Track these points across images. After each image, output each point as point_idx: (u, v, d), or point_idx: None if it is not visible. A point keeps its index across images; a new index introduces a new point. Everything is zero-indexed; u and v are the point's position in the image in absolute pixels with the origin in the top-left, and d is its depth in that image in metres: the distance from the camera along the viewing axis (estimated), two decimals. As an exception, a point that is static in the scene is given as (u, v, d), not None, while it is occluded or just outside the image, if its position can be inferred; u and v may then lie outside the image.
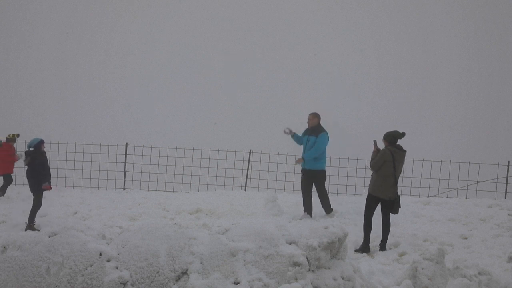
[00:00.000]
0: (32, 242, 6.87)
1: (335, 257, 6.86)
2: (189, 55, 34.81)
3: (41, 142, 13.42)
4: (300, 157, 13.73)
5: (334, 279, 6.50)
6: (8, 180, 17.02)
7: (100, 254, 6.64)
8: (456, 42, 35.04)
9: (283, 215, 13.86)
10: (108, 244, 6.94)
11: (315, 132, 13.47)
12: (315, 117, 13.66)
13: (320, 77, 34.17)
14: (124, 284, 6.35)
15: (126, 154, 19.52)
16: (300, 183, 14.06)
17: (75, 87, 33.78)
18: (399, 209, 11.04)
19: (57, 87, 33.65)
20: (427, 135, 29.58)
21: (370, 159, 11.15)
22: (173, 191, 18.73)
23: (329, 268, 6.66)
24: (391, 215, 11.07)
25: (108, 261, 6.57)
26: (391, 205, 10.78)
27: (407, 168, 17.66)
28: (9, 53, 34.37)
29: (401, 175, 11.41)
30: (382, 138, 11.02)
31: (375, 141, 11.25)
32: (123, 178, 19.49)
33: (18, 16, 35.29)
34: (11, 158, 17.03)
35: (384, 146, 10.94)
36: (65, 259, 6.58)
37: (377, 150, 10.97)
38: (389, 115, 29.32)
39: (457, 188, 18.04)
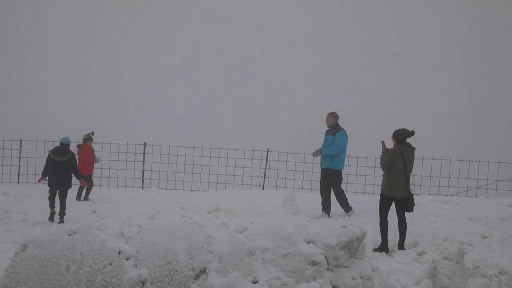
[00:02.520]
0: (52, 240, 6.91)
1: (354, 256, 6.83)
2: (190, 55, 34.85)
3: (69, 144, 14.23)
4: (317, 150, 13.66)
5: (353, 278, 6.47)
6: (90, 182, 16.73)
7: (119, 253, 6.66)
8: (457, 42, 34.92)
9: (301, 214, 13.83)
10: (127, 243, 6.96)
11: (332, 131, 13.45)
12: (330, 116, 13.65)
13: (320, 77, 34.12)
14: (143, 283, 6.36)
15: (144, 153, 19.63)
16: (318, 182, 14.04)
17: (88, 87, 33.93)
18: (414, 207, 10.99)
19: (73, 87, 33.80)
20: (445, 134, 29.43)
21: (380, 160, 11.13)
22: (191, 190, 18.78)
23: (347, 267, 6.64)
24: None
25: (127, 259, 6.60)
26: (405, 203, 10.73)
27: (426, 166, 17.59)
28: (23, 53, 34.59)
29: (414, 173, 11.33)
30: (391, 136, 10.97)
31: (383, 142, 11.22)
32: (141, 177, 19.60)
33: (19, 16, 35.49)
34: (91, 159, 16.85)
35: (392, 144, 10.90)
36: (85, 257, 6.61)
37: (386, 151, 10.94)
38: (389, 115, 29.43)
39: (477, 187, 17.91)
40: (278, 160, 19.22)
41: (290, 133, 19.64)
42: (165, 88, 33.62)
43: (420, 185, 17.86)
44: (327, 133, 13.65)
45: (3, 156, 19.88)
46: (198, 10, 36.22)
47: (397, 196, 10.68)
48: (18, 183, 19.70)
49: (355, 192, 18.11)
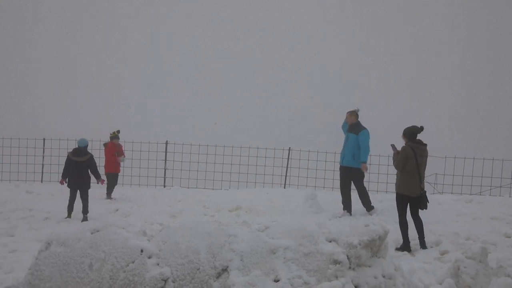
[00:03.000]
0: (75, 238, 6.96)
1: (376, 255, 6.80)
2: (190, 55, 34.81)
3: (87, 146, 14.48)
4: (363, 163, 13.51)
5: (375, 277, 6.44)
6: (113, 180, 16.87)
7: (142, 251, 6.69)
8: (457, 42, 34.75)
9: (323, 212, 13.81)
10: (149, 241, 6.99)
11: (355, 129, 13.39)
12: (352, 115, 13.59)
13: (320, 77, 34.04)
14: (165, 281, 6.39)
15: (166, 152, 19.71)
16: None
17: (88, 87, 33.93)
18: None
19: (73, 88, 33.78)
20: (445, 133, 29.27)
21: (392, 161, 11.14)
22: (212, 189, 18.86)
23: (369, 266, 6.60)
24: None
25: (149, 257, 6.63)
26: (419, 201, 10.70)
27: (449, 165, 17.47)
28: (24, 54, 34.71)
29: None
30: (401, 134, 10.96)
31: (392, 145, 11.26)
32: (163, 176, 19.68)
33: (19, 17, 35.66)
34: (114, 157, 16.97)
35: (404, 143, 10.88)
36: (107, 255, 6.65)
37: (397, 152, 10.92)
38: (389, 115, 29.59)
39: (500, 186, 17.76)
40: (299, 159, 19.23)
41: (290, 133, 19.75)
42: (165, 88, 33.57)
43: (443, 184, 17.75)
44: (348, 131, 13.58)
45: (26, 155, 20.09)
46: (198, 10, 36.17)
47: (411, 194, 10.65)
48: (41, 181, 19.90)
49: (377, 190, 18.06)
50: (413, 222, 10.83)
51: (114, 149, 16.90)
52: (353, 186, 13.66)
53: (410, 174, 10.60)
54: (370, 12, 35.90)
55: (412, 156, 10.55)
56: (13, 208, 14.87)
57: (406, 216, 10.76)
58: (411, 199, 10.74)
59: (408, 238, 10.66)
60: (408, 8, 35.50)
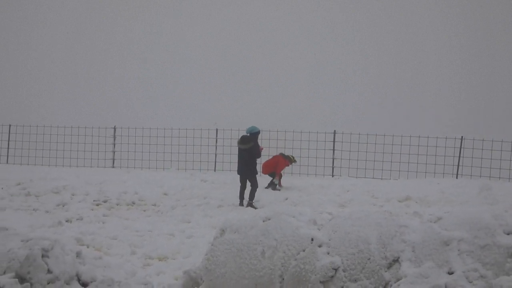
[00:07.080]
0: (248, 226, 7.17)
1: (559, 250, 6.40)
2: (190, 55, 34.24)
3: (258, 132, 15.18)
4: None
5: (560, 274, 6.06)
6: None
7: (312, 239, 6.75)
8: (457, 42, 32.15)
9: (499, 204, 13.22)
10: (319, 230, 7.04)
11: None
12: None
13: (320, 77, 32.52)
14: (335, 270, 6.40)
15: (334, 141, 19.77)
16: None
17: (88, 88, 34.06)
18: None
19: (73, 88, 34.08)
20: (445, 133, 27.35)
21: None
22: (381, 178, 18.65)
23: (551, 262, 6.23)
24: None
25: (319, 246, 6.67)
26: None
27: None
28: (24, 54, 35.62)
29: None
30: None
31: None
32: (331, 165, 19.77)
33: (19, 17, 36.59)
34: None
35: None
36: (279, 243, 6.78)
37: None
38: (389, 115, 28.59)
39: None
40: (473, 148, 18.53)
41: (291, 133, 19.26)
42: (165, 88, 33.34)
43: None
44: None
45: (201, 145, 20.96)
46: (199, 10, 35.68)
47: None
48: (214, 170, 20.70)
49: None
50: None
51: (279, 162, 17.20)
52: None
53: None
54: (370, 12, 34.76)
55: None
56: (189, 196, 15.66)
57: None
58: None
59: None
60: (408, 8, 33.75)
